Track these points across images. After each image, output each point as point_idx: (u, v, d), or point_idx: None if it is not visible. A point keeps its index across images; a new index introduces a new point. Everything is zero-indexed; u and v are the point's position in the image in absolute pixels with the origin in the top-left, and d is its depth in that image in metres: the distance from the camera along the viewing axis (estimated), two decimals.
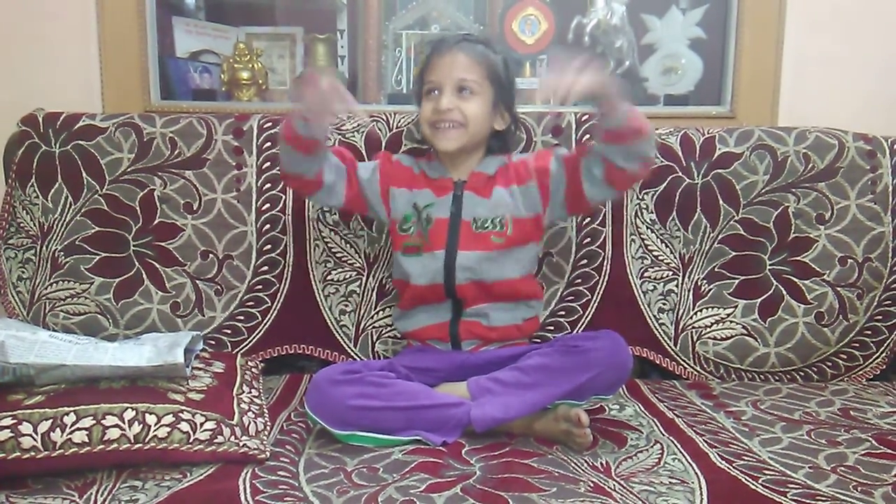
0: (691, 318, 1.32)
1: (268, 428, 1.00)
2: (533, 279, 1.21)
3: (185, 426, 0.90)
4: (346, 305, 1.30)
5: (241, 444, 0.92)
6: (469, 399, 1.02)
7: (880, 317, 1.32)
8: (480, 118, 1.12)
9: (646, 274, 1.32)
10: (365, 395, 0.98)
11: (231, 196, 1.30)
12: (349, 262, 1.31)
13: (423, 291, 1.14)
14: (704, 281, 1.33)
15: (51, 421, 0.87)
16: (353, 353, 1.30)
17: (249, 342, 1.29)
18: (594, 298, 1.31)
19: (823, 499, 0.81)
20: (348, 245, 1.31)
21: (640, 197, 1.33)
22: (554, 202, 1.14)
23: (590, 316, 1.30)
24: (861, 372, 1.31)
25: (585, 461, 0.93)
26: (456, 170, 1.16)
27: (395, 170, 1.18)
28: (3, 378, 0.94)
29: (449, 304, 1.14)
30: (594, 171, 1.08)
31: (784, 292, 1.32)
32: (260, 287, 1.30)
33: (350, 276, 1.30)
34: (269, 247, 1.30)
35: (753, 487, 0.84)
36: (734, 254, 1.33)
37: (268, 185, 1.30)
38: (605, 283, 1.31)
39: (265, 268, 1.30)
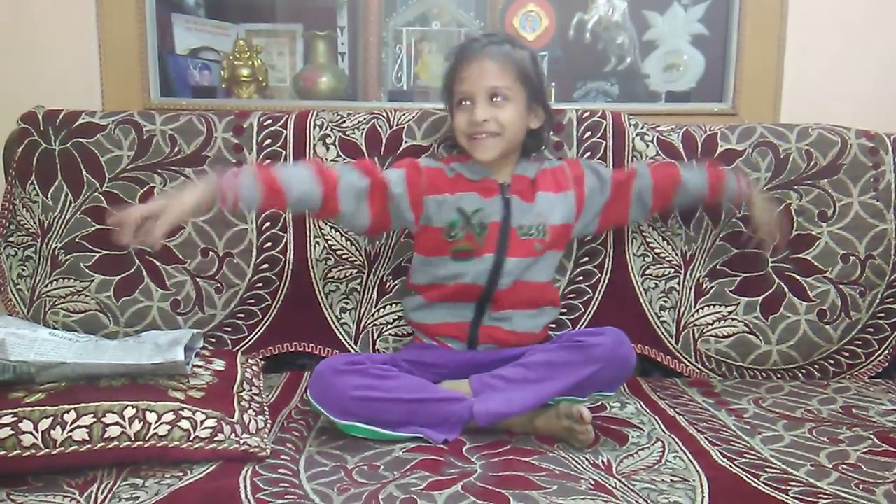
0: (693, 315, 1.31)
1: (268, 426, 1.00)
2: (553, 285, 1.22)
3: (185, 424, 0.90)
4: (347, 303, 1.30)
5: (241, 441, 0.92)
6: (471, 395, 1.02)
7: (882, 314, 1.31)
8: (517, 123, 1.10)
9: (647, 271, 1.32)
10: (367, 386, 0.98)
11: None
12: (350, 259, 1.30)
13: (461, 290, 1.11)
14: (706, 278, 1.32)
15: (51, 419, 0.86)
16: (353, 351, 1.29)
17: (250, 340, 1.29)
18: (596, 296, 1.30)
19: (825, 497, 0.81)
20: (349, 242, 1.30)
21: None
22: (587, 213, 1.17)
23: (591, 313, 1.30)
24: (863, 369, 1.31)
25: (586, 459, 0.93)
26: (496, 171, 1.14)
27: (425, 178, 1.12)
28: (3, 376, 0.94)
29: (474, 306, 1.12)
30: (645, 198, 1.18)
31: (786, 290, 1.31)
32: (260, 285, 1.29)
33: (351, 274, 1.30)
34: (269, 244, 1.30)
35: (755, 485, 0.84)
36: (736, 251, 1.32)
37: None
38: (606, 281, 1.30)
39: (265, 265, 1.30)
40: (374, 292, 1.30)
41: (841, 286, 1.31)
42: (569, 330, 1.28)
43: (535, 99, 1.13)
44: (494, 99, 1.08)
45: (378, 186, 1.09)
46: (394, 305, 1.29)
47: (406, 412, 0.98)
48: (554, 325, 1.30)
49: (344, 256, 1.30)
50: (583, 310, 1.30)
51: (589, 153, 1.31)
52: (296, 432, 1.01)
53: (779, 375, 1.30)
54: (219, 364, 1.11)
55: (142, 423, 0.88)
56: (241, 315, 1.29)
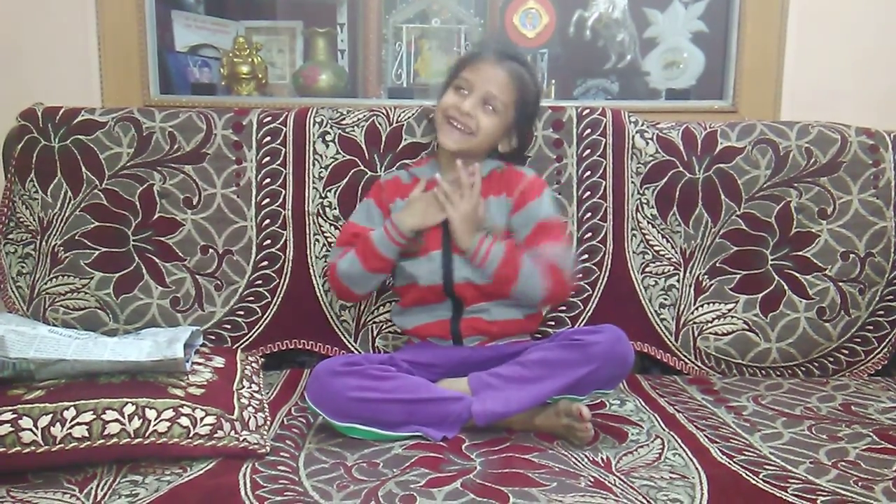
0: (692, 313, 1.31)
1: (268, 423, 1.01)
2: None
3: (185, 421, 0.90)
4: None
5: (241, 438, 0.92)
6: (469, 394, 1.02)
7: (882, 312, 1.31)
8: (491, 136, 1.14)
9: (647, 269, 1.32)
10: (365, 387, 0.98)
11: (231, 191, 1.30)
12: None
13: (424, 293, 1.14)
14: (706, 276, 1.32)
15: (51, 415, 0.87)
16: (353, 349, 1.30)
17: (249, 337, 1.29)
18: (595, 293, 1.30)
19: (824, 494, 0.81)
20: None
21: (641, 192, 1.32)
22: (518, 233, 1.13)
23: (591, 311, 1.30)
24: (862, 367, 1.31)
25: (586, 456, 0.93)
26: (451, 168, 1.14)
27: (387, 191, 1.19)
28: (2, 373, 0.94)
29: (449, 303, 1.13)
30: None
31: (786, 287, 1.31)
32: (260, 282, 1.29)
33: None
34: (268, 242, 1.30)
35: (754, 482, 0.84)
36: (735, 249, 1.32)
37: (267, 180, 1.30)
38: (606, 279, 1.30)
39: (265, 263, 1.30)
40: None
41: (840, 284, 1.31)
42: (567, 328, 1.28)
43: (517, 127, 1.16)
44: (486, 105, 1.12)
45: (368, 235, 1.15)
46: (393, 303, 1.29)
47: (405, 412, 0.98)
48: (552, 323, 1.30)
49: None
50: (582, 307, 1.30)
51: (589, 150, 1.31)
52: (295, 429, 1.01)
53: (778, 373, 1.30)
54: (218, 361, 1.11)
55: (141, 419, 0.88)
56: (241, 312, 1.29)
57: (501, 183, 1.16)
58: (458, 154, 1.14)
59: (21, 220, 1.30)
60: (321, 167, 1.30)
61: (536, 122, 1.25)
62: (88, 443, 0.86)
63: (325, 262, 1.30)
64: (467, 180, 1.10)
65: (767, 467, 0.88)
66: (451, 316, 1.14)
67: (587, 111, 1.33)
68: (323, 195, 1.29)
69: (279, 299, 1.29)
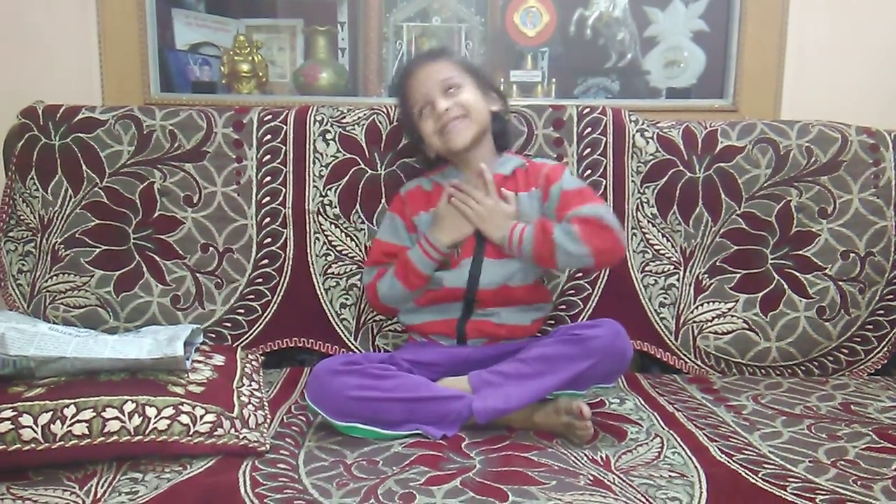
0: (692, 312, 1.31)
1: (268, 421, 1.01)
2: (542, 284, 1.22)
3: (185, 418, 0.90)
4: (347, 299, 1.30)
5: (241, 436, 0.92)
6: (470, 392, 1.02)
7: (882, 311, 1.31)
8: (479, 103, 1.15)
9: (647, 268, 1.32)
10: (365, 386, 0.98)
11: (231, 189, 1.30)
12: (349, 255, 1.30)
13: (441, 294, 1.14)
14: (706, 275, 1.32)
15: (51, 413, 0.87)
16: (353, 347, 1.30)
17: (250, 335, 1.29)
18: (595, 292, 1.30)
19: (823, 493, 0.81)
20: (349, 238, 1.30)
21: (642, 191, 1.32)
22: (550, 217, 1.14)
23: (591, 310, 1.30)
24: (862, 366, 1.31)
25: (585, 455, 0.93)
26: (471, 170, 1.16)
27: (409, 204, 1.20)
28: (3, 370, 0.95)
29: (461, 304, 1.14)
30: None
31: (786, 286, 1.31)
32: (260, 280, 1.30)
33: (350, 270, 1.30)
34: (269, 240, 1.30)
35: (753, 481, 0.84)
36: (736, 248, 1.32)
37: (268, 179, 1.30)
38: (606, 277, 1.30)
39: (265, 261, 1.30)
40: None
41: (840, 283, 1.31)
42: (566, 323, 1.28)
43: (485, 85, 1.18)
44: (449, 90, 1.13)
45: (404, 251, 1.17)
46: None
47: (405, 411, 0.98)
48: (552, 322, 1.30)
49: (343, 252, 1.30)
50: (582, 306, 1.30)
51: (589, 149, 1.31)
52: (295, 427, 1.01)
53: (778, 372, 1.31)
54: (218, 359, 1.11)
55: (141, 417, 0.88)
56: (241, 310, 1.29)
57: (528, 178, 1.17)
58: (475, 143, 1.14)
59: (21, 217, 1.30)
60: (321, 165, 1.30)
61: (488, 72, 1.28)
62: (89, 440, 0.86)
63: (326, 259, 1.30)
64: (486, 177, 1.12)
65: (767, 466, 0.89)
66: (459, 316, 1.14)
67: (587, 110, 1.33)
68: (323, 193, 1.30)
69: (279, 297, 1.29)
